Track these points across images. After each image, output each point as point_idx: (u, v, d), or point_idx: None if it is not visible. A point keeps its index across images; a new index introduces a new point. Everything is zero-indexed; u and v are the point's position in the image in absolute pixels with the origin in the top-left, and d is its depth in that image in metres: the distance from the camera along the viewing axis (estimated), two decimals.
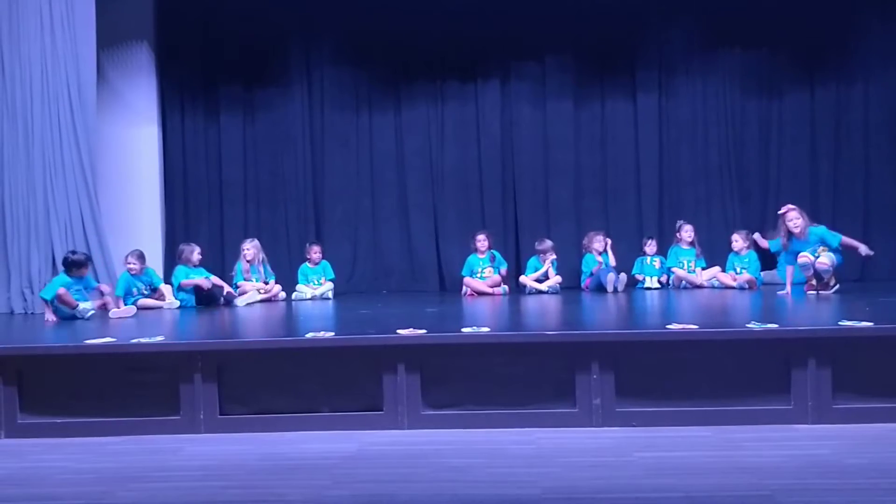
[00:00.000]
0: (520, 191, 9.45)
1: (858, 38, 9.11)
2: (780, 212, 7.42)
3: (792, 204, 7.42)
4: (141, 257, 7.63)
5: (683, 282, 8.49)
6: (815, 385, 4.61)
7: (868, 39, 9.08)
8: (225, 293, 7.90)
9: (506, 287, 8.52)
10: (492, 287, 8.42)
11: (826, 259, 7.09)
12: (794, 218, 7.27)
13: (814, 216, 8.09)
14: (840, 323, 4.92)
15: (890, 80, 9.12)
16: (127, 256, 7.59)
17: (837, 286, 7.22)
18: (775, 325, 4.88)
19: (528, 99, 9.55)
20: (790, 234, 7.30)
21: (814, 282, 7.21)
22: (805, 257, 7.11)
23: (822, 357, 4.63)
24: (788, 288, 7.32)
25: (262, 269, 8.30)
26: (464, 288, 8.54)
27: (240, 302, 7.86)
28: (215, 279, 7.98)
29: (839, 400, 4.61)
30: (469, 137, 9.60)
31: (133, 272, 7.51)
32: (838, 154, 9.34)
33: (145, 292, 7.59)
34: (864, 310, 5.79)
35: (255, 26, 9.30)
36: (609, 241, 8.77)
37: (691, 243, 8.67)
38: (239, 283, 8.16)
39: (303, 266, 8.70)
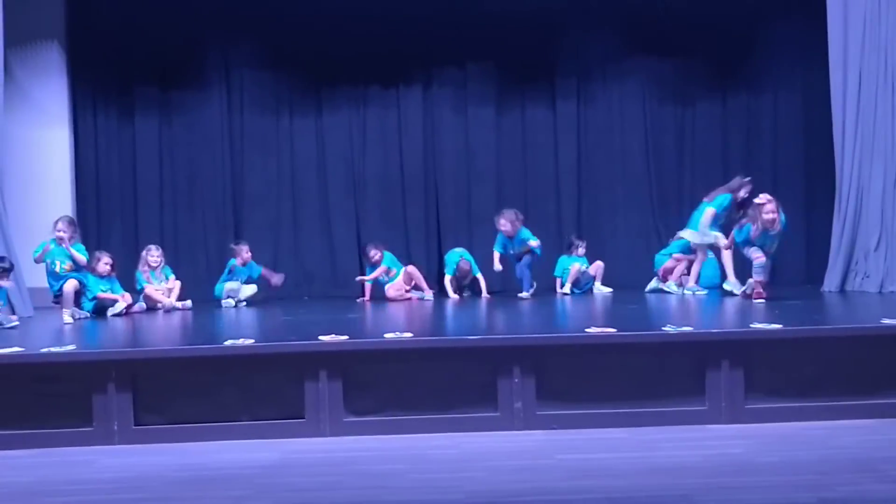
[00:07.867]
0: (442, 196, 9.48)
1: (767, 47, 9.38)
2: (756, 200, 6.92)
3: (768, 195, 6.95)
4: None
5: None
6: (728, 386, 4.75)
7: (775, 48, 9.36)
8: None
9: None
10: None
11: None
12: (771, 211, 6.76)
13: (727, 221, 8.32)
14: (751, 325, 5.09)
15: (796, 88, 9.44)
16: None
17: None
18: (690, 328, 5.01)
19: (450, 105, 9.59)
20: (765, 227, 6.80)
21: (762, 289, 6.95)
22: (761, 258, 6.85)
23: (734, 359, 4.77)
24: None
25: (162, 274, 8.10)
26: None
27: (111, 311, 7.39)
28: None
29: (751, 400, 4.76)
30: (391, 143, 9.59)
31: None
32: (748, 160, 9.62)
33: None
34: (774, 312, 5.99)
35: (172, 27, 9.08)
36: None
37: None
38: (144, 288, 7.92)
39: (231, 261, 8.45)
